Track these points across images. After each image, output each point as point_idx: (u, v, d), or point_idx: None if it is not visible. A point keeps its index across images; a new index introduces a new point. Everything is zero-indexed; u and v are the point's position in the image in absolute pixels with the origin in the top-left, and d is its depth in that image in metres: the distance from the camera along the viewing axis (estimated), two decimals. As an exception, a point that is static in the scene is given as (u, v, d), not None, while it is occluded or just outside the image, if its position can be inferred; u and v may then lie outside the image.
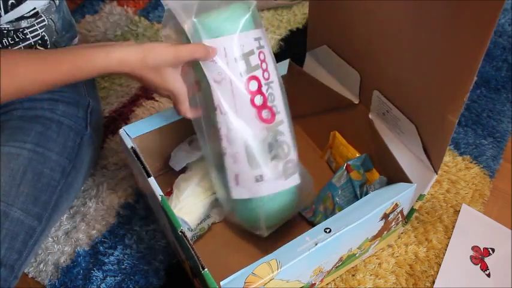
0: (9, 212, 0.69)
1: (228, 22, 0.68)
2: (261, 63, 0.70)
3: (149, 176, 0.70)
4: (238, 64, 0.68)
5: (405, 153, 0.76)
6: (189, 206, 0.79)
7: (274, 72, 0.72)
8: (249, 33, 0.69)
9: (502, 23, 1.28)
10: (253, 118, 0.70)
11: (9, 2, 0.69)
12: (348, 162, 0.83)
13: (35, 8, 0.73)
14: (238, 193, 0.74)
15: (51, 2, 0.77)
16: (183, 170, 0.86)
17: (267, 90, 0.70)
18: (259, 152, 0.71)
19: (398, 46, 0.68)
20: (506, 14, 1.30)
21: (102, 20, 1.28)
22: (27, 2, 0.71)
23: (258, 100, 0.69)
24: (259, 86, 0.69)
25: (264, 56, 0.70)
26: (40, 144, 0.76)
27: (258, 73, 0.69)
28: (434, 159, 0.72)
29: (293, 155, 0.75)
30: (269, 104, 0.71)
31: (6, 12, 0.70)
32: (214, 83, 0.68)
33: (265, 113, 0.70)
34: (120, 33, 1.24)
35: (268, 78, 0.71)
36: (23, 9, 0.72)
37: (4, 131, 0.76)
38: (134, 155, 0.73)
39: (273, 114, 0.71)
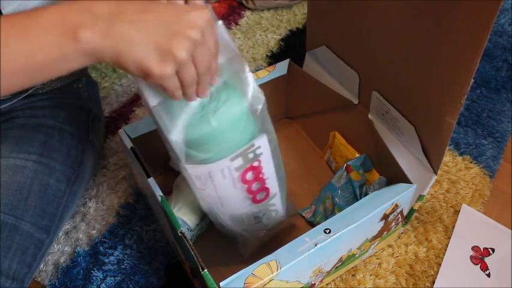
0: (19, 225, 0.69)
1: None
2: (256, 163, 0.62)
3: (149, 176, 0.70)
4: (228, 177, 0.61)
5: (405, 154, 0.77)
6: (188, 206, 0.79)
7: (271, 163, 0.64)
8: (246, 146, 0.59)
9: (502, 23, 1.28)
10: (247, 203, 0.66)
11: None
12: (348, 163, 0.83)
13: None
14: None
15: None
16: (183, 170, 0.86)
17: (264, 174, 0.64)
18: (243, 221, 0.70)
19: (397, 47, 0.68)
20: (506, 14, 1.30)
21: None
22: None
23: (255, 186, 0.64)
24: (258, 173, 0.62)
25: (260, 161, 0.62)
26: (44, 155, 0.75)
27: (255, 164, 0.62)
28: (433, 160, 0.72)
29: (280, 211, 0.73)
30: (266, 185, 0.65)
31: None
32: (199, 190, 0.62)
33: (259, 195, 0.66)
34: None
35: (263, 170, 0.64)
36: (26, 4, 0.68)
37: (7, 140, 0.75)
38: (134, 155, 0.73)
39: (268, 193, 0.67)
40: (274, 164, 0.64)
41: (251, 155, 0.60)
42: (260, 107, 0.58)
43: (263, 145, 0.60)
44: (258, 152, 0.60)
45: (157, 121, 0.55)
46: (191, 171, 0.59)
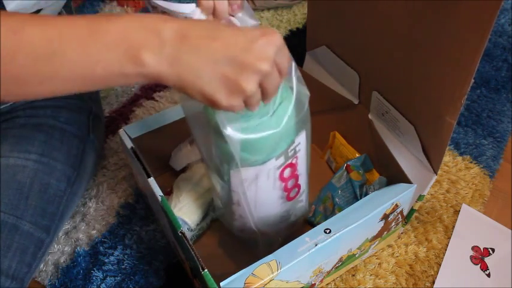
0: (19, 225, 0.69)
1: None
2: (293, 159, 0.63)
3: (149, 176, 0.70)
4: (271, 177, 0.61)
5: (405, 154, 0.77)
6: (189, 205, 0.79)
7: (304, 155, 0.64)
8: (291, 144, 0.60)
9: (502, 23, 1.28)
10: (281, 202, 0.67)
11: None
12: (348, 163, 0.83)
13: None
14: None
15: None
16: (183, 170, 0.86)
17: (298, 170, 0.65)
18: (273, 219, 0.70)
19: (397, 47, 0.68)
20: (506, 14, 1.30)
21: (102, 19, 1.28)
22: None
23: (290, 183, 0.65)
24: (294, 170, 0.63)
25: (297, 157, 0.63)
26: (45, 154, 0.75)
27: (293, 161, 0.63)
28: (433, 160, 0.72)
29: (305, 206, 0.74)
30: (299, 181, 0.66)
31: None
32: (238, 193, 0.62)
33: (292, 193, 0.67)
34: (120, 33, 1.24)
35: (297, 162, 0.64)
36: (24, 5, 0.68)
37: (7, 139, 0.75)
38: (134, 155, 0.73)
39: (299, 190, 0.68)
40: (307, 159, 0.64)
41: (291, 153, 0.60)
42: (307, 103, 0.57)
43: (302, 142, 0.61)
44: (297, 149, 0.61)
45: (214, 126, 0.54)
46: (244, 173, 0.58)
